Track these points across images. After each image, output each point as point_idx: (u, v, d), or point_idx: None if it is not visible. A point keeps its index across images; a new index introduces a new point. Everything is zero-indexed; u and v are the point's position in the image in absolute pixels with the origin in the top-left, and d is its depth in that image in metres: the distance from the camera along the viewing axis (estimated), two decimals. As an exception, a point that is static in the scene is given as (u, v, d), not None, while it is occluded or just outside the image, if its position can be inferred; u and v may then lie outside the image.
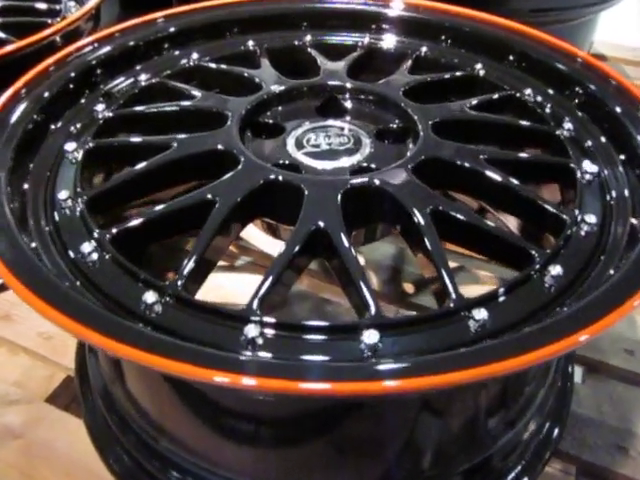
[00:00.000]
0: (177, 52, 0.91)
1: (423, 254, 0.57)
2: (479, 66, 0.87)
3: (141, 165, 0.64)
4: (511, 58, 0.89)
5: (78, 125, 0.75)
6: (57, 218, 0.61)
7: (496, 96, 0.81)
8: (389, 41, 0.95)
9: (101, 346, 0.46)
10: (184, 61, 0.88)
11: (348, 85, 0.79)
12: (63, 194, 0.62)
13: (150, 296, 0.51)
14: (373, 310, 0.50)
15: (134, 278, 0.53)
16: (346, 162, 0.69)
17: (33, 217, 0.62)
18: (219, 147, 0.65)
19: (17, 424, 0.80)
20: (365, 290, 0.51)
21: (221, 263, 1.05)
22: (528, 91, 0.82)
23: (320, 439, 0.60)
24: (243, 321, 0.49)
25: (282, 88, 0.78)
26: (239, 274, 1.04)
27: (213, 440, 0.65)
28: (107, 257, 0.56)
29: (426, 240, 0.56)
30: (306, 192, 0.60)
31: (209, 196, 0.59)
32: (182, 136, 0.68)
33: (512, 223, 0.74)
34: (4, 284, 0.65)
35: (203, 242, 0.55)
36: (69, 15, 1.06)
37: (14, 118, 0.69)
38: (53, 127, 0.73)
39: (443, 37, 0.95)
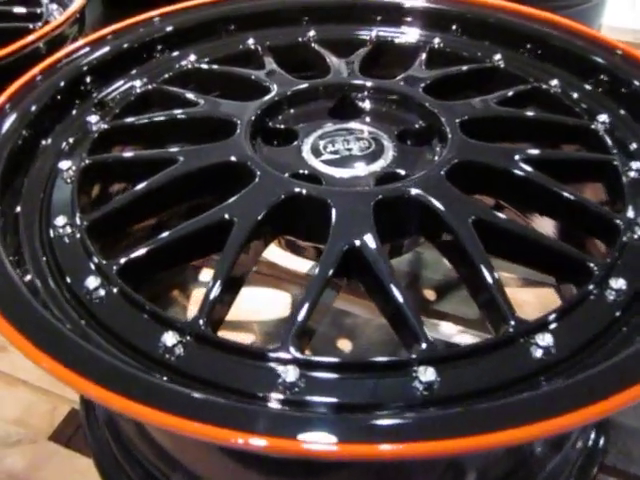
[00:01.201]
0: (172, 54, 0.84)
1: (467, 270, 0.51)
2: (498, 57, 0.82)
3: (145, 183, 0.58)
4: (529, 46, 0.84)
5: (70, 140, 0.68)
6: (55, 247, 0.54)
7: (520, 89, 0.75)
8: (398, 33, 0.89)
9: (107, 404, 0.40)
10: (181, 63, 0.82)
11: (363, 83, 0.73)
12: (60, 220, 0.55)
13: (170, 337, 0.44)
14: (424, 343, 0.44)
15: (150, 316, 0.47)
16: (370, 169, 0.63)
17: (28, 245, 0.55)
18: (232, 159, 0.59)
19: (20, 467, 0.73)
20: (413, 319, 0.45)
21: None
22: (554, 82, 0.76)
23: None
24: (279, 362, 0.43)
25: (292, 89, 0.71)
26: (245, 287, 0.98)
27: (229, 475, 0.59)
28: (115, 291, 0.50)
29: (471, 254, 0.50)
30: (333, 206, 0.54)
31: (226, 216, 0.53)
32: (188, 148, 0.62)
33: (547, 229, 0.68)
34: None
35: (224, 269, 0.49)
36: (51, 19, 0.98)
37: (0, 134, 0.62)
38: (44, 143, 0.67)
39: (454, 27, 0.89)
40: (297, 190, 0.55)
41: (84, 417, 0.77)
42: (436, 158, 0.64)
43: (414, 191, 0.55)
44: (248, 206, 0.54)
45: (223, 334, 0.89)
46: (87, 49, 0.77)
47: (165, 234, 0.52)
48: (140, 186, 0.58)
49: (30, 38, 0.81)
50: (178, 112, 0.69)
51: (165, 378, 0.44)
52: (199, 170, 0.59)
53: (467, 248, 0.51)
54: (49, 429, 0.79)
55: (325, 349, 0.86)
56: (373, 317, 0.92)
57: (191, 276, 0.96)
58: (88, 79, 0.75)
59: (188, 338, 0.45)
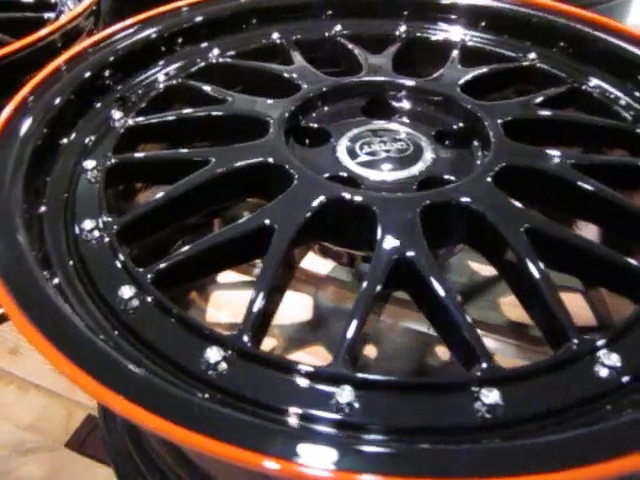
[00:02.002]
0: (194, 47, 0.81)
1: (520, 281, 0.49)
2: (533, 55, 0.79)
3: (177, 185, 0.55)
4: (563, 44, 0.81)
5: (93, 136, 0.64)
6: (82, 252, 0.51)
7: (560, 90, 0.72)
8: (428, 30, 0.86)
9: (151, 428, 0.38)
10: (204, 57, 0.78)
11: (399, 82, 0.70)
12: (88, 223, 0.52)
13: (214, 353, 0.42)
14: (485, 362, 0.41)
15: (190, 329, 0.44)
16: (409, 172, 0.60)
17: (53, 248, 0.52)
18: (269, 160, 0.56)
19: (38, 477, 0.70)
20: (471, 337, 0.42)
21: (240, 277, 0.96)
22: (593, 82, 0.73)
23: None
24: (333, 381, 0.40)
25: (325, 87, 0.68)
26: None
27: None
28: (150, 301, 0.47)
29: (525, 265, 0.48)
30: (378, 212, 0.51)
31: (267, 221, 0.50)
32: (221, 148, 0.59)
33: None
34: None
35: (267, 279, 0.46)
36: (65, 9, 0.95)
37: (23, 132, 0.59)
38: (66, 140, 0.63)
39: (484, 23, 0.86)
40: (340, 195, 0.52)
41: (103, 424, 0.74)
42: (478, 161, 0.61)
43: (462, 197, 0.52)
44: (289, 211, 0.51)
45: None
46: (109, 41, 0.74)
47: (203, 240, 0.49)
48: (172, 188, 0.54)
49: (45, 31, 0.78)
50: (206, 109, 0.65)
51: (207, 395, 0.41)
52: (233, 171, 0.56)
53: (521, 258, 0.48)
54: (64, 436, 0.76)
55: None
56: (397, 321, 0.89)
57: (209, 278, 0.94)
58: (109, 72, 0.72)
59: (231, 354, 0.42)
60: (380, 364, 0.83)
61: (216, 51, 0.80)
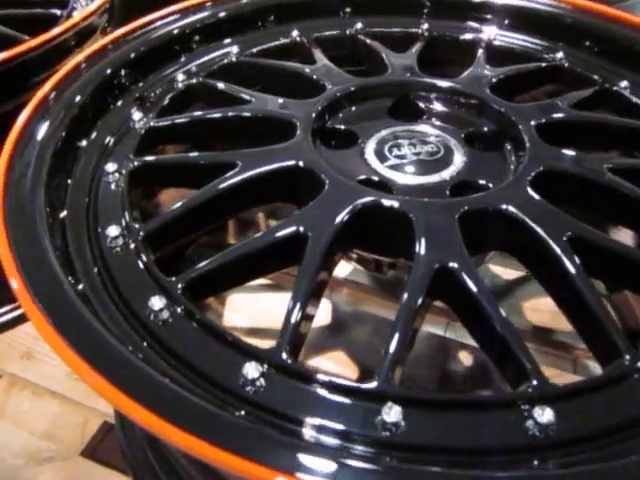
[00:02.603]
0: (211, 45, 0.79)
1: (566, 294, 0.47)
2: (560, 55, 0.77)
3: (205, 189, 0.53)
4: (589, 44, 0.79)
5: (113, 137, 0.63)
6: (107, 258, 0.49)
7: (590, 91, 0.70)
8: (450, 28, 0.84)
9: (187, 448, 0.36)
10: (223, 56, 0.76)
11: (427, 82, 0.68)
12: (112, 230, 0.50)
13: (252, 369, 0.40)
14: (535, 380, 0.39)
15: (225, 343, 0.42)
16: (441, 176, 0.58)
17: (77, 254, 0.50)
18: (299, 164, 0.54)
19: (53, 487, 0.69)
20: (520, 352, 0.41)
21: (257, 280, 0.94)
22: (623, 83, 0.71)
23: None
24: (378, 399, 0.39)
25: (351, 87, 0.66)
26: (283, 293, 0.93)
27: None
28: (181, 312, 0.45)
29: (574, 279, 0.46)
30: (415, 219, 0.49)
31: (301, 229, 0.48)
32: (248, 151, 0.57)
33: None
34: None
35: (304, 290, 0.44)
36: (77, 5, 0.92)
37: (43, 133, 0.57)
38: (85, 142, 0.61)
39: (507, 21, 0.84)
40: (376, 201, 0.50)
41: (120, 431, 0.72)
42: (512, 165, 0.60)
43: (501, 204, 0.50)
44: (323, 218, 0.49)
45: (261, 343, 0.85)
46: (128, 38, 0.72)
47: (234, 248, 0.48)
48: (199, 193, 0.53)
49: (60, 29, 0.75)
50: (230, 110, 0.63)
51: (243, 412, 0.39)
52: (262, 176, 0.54)
53: (565, 268, 0.46)
54: (79, 444, 0.75)
55: (372, 362, 0.81)
56: (435, 332, 0.87)
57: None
58: (128, 71, 0.69)
59: (269, 369, 0.41)
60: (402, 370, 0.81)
61: (235, 49, 0.78)
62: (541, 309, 0.92)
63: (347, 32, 0.82)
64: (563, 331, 0.88)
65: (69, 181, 0.57)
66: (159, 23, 0.76)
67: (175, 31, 0.76)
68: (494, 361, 0.44)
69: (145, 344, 0.44)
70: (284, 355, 0.41)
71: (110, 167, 0.57)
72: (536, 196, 0.52)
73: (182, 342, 0.43)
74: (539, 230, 0.49)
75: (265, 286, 0.92)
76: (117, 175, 0.57)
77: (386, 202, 0.50)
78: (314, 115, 0.62)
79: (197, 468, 0.63)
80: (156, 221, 0.51)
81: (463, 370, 0.82)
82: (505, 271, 0.95)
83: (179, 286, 0.45)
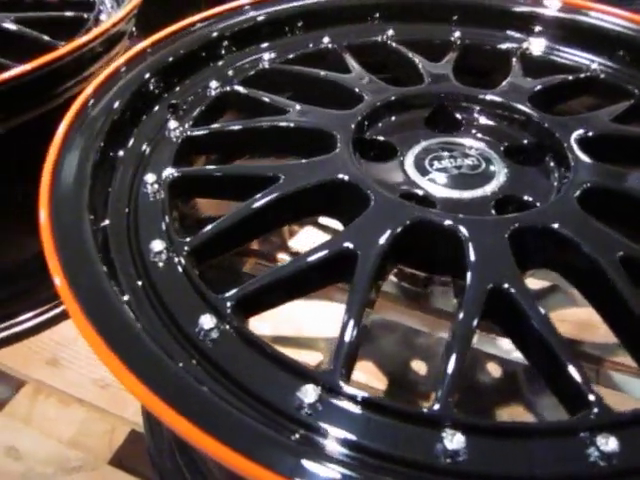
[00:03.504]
0: (243, 52, 0.78)
1: (620, 317, 0.46)
2: (595, 66, 0.76)
3: (249, 204, 0.52)
4: (622, 53, 0.78)
5: (149, 147, 0.62)
6: (152, 273, 0.49)
7: (627, 103, 0.69)
8: (482, 36, 0.83)
9: (245, 473, 0.35)
10: (255, 63, 0.76)
11: (465, 93, 0.67)
12: (156, 245, 0.49)
13: (310, 392, 0.39)
14: (597, 407, 0.39)
15: (278, 364, 0.42)
16: (484, 190, 0.57)
17: (120, 265, 0.50)
18: (345, 179, 0.53)
19: (84, 497, 0.68)
20: (579, 378, 0.40)
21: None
22: (660, 95, 0.71)
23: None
24: (439, 425, 0.38)
25: (390, 98, 0.66)
26: (309, 300, 0.92)
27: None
28: (230, 330, 0.44)
29: (624, 297, 0.45)
30: (465, 236, 0.48)
31: (350, 246, 0.47)
32: (289, 164, 0.56)
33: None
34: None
35: (357, 311, 0.44)
36: (104, 8, 0.91)
37: (83, 142, 0.56)
38: (122, 152, 0.61)
39: (540, 29, 0.83)
40: (423, 218, 0.50)
41: (150, 442, 0.72)
42: (555, 181, 0.59)
43: (551, 222, 0.50)
44: (372, 236, 0.48)
45: (289, 352, 0.84)
46: (161, 44, 0.71)
47: (284, 266, 0.47)
48: (243, 207, 0.52)
49: (90, 36, 0.74)
50: (268, 120, 0.63)
51: (297, 436, 0.39)
52: (306, 189, 0.53)
53: (618, 289, 0.46)
54: (107, 452, 0.74)
55: (400, 372, 0.81)
56: (444, 335, 0.87)
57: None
58: (160, 77, 0.69)
59: (325, 392, 0.40)
60: (432, 381, 0.80)
61: (267, 55, 0.77)
62: (567, 319, 0.92)
63: (379, 39, 0.82)
64: (589, 342, 0.87)
65: (109, 189, 0.56)
66: (191, 29, 0.75)
67: (207, 37, 0.75)
68: (549, 384, 0.43)
69: (194, 362, 0.43)
70: (340, 378, 0.40)
71: (149, 178, 0.56)
72: (585, 214, 0.51)
73: (233, 362, 0.42)
74: (590, 250, 0.48)
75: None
76: (156, 186, 0.56)
77: (435, 219, 0.50)
78: (354, 127, 0.61)
79: (228, 475, 0.63)
80: (201, 236, 0.50)
81: (495, 383, 0.82)
82: (530, 281, 0.94)
83: (228, 305, 0.45)
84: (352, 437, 0.38)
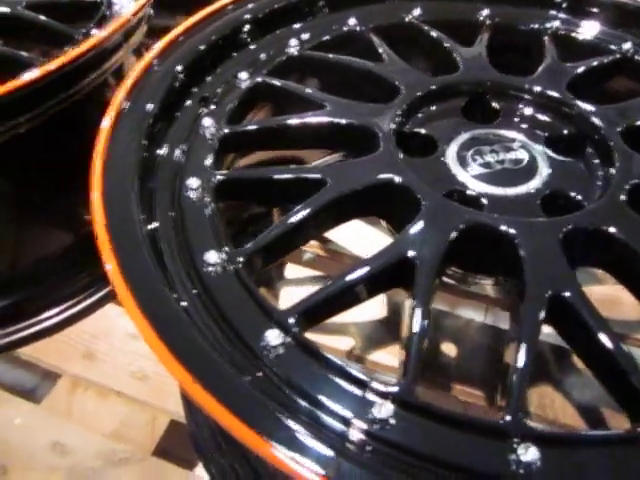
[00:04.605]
0: (265, 38, 0.76)
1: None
2: (628, 45, 0.74)
3: (299, 210, 0.51)
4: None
5: (186, 146, 0.61)
6: (206, 282, 0.49)
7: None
8: (512, 13, 0.80)
9: None
10: (282, 50, 0.74)
11: (505, 82, 0.66)
12: (211, 256, 0.49)
13: (385, 408, 0.40)
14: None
15: (346, 378, 0.42)
16: (529, 187, 0.57)
17: (174, 270, 0.50)
18: (395, 180, 0.53)
19: (134, 489, 0.70)
20: (643, 384, 0.41)
21: (309, 272, 0.94)
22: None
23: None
24: (510, 437, 0.39)
25: (428, 89, 0.64)
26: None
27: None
28: (293, 344, 0.44)
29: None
30: (519, 240, 0.49)
31: (408, 253, 0.47)
32: (335, 165, 0.56)
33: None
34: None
35: (421, 319, 0.44)
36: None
37: (125, 143, 0.55)
38: (160, 152, 0.60)
39: (565, 4, 0.81)
40: (478, 222, 0.50)
41: (194, 428, 0.73)
42: (599, 174, 0.59)
43: (602, 224, 0.50)
44: (427, 240, 0.48)
45: (319, 338, 0.85)
46: (186, 36, 0.69)
47: (343, 275, 0.47)
48: (293, 214, 0.51)
49: (111, 29, 0.71)
50: (306, 117, 0.61)
51: (370, 448, 0.40)
52: (355, 193, 0.53)
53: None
54: (151, 443, 0.76)
55: (430, 354, 0.83)
56: (474, 317, 0.88)
57: (277, 274, 0.91)
58: (190, 71, 0.67)
59: (398, 407, 0.41)
60: (461, 365, 0.82)
61: (294, 41, 0.75)
62: (592, 296, 0.93)
63: (405, 20, 0.79)
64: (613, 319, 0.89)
65: (154, 192, 0.56)
66: (215, 16, 0.73)
67: (232, 24, 0.73)
68: (610, 392, 0.44)
69: (260, 374, 0.44)
70: (412, 393, 0.41)
71: (193, 183, 0.55)
72: (633, 214, 0.51)
73: (299, 375, 0.43)
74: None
75: (316, 278, 0.92)
76: (200, 191, 0.55)
77: (489, 223, 0.50)
78: (394, 122, 0.60)
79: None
80: (254, 245, 0.50)
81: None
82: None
83: (292, 319, 0.45)
84: (423, 449, 0.39)
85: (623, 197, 0.53)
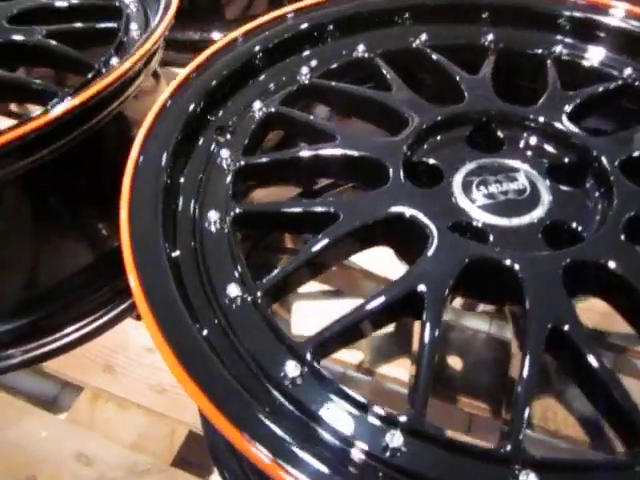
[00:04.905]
0: (280, 66, 0.79)
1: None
2: (629, 71, 0.77)
3: (314, 242, 0.55)
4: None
5: (203, 176, 0.64)
6: (226, 312, 0.52)
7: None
8: (515, 38, 0.83)
9: None
10: (293, 77, 0.76)
11: (508, 111, 0.69)
12: (232, 290, 0.52)
13: (397, 437, 0.43)
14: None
15: (361, 409, 0.46)
16: (531, 217, 0.60)
17: (195, 299, 0.53)
18: (407, 215, 0.56)
19: (156, 500, 0.74)
20: (635, 417, 0.44)
21: (321, 287, 0.97)
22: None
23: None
24: (511, 463, 0.42)
25: (436, 120, 0.67)
26: (347, 300, 0.96)
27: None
28: (310, 374, 0.48)
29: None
30: (522, 274, 0.52)
31: (418, 287, 0.51)
32: (348, 199, 0.59)
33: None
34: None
35: (429, 351, 0.48)
36: (130, 11, 0.91)
37: (151, 171, 0.59)
38: (182, 180, 0.63)
39: (567, 26, 0.83)
40: (483, 257, 0.53)
41: (210, 440, 0.77)
42: (599, 206, 0.61)
43: (600, 257, 0.53)
44: (435, 273, 0.52)
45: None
46: (205, 66, 0.72)
47: (359, 309, 0.50)
48: (308, 246, 0.55)
49: (132, 60, 0.73)
50: (318, 149, 0.64)
51: (381, 474, 0.43)
52: (367, 226, 0.56)
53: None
54: (169, 455, 0.80)
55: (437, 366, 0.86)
56: (480, 330, 0.91)
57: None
58: (207, 101, 0.70)
59: (409, 436, 0.44)
60: (467, 377, 0.86)
61: (305, 69, 0.78)
62: (594, 309, 0.96)
63: (413, 45, 0.82)
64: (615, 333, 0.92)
65: (176, 219, 0.59)
66: (227, 49, 0.75)
67: (245, 54, 0.76)
68: (607, 421, 0.47)
69: (279, 403, 0.47)
70: (422, 422, 0.44)
71: (212, 216, 0.59)
72: (630, 247, 0.54)
73: (316, 404, 0.46)
74: (635, 284, 0.51)
75: (328, 292, 0.95)
76: (219, 224, 0.59)
77: (494, 257, 0.53)
78: (404, 154, 0.63)
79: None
80: (273, 278, 0.53)
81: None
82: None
83: (309, 351, 0.48)
84: (432, 475, 0.43)
85: (621, 230, 0.56)
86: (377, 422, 0.45)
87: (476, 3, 0.85)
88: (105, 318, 0.90)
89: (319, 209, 0.58)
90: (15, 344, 0.85)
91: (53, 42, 0.82)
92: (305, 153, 0.65)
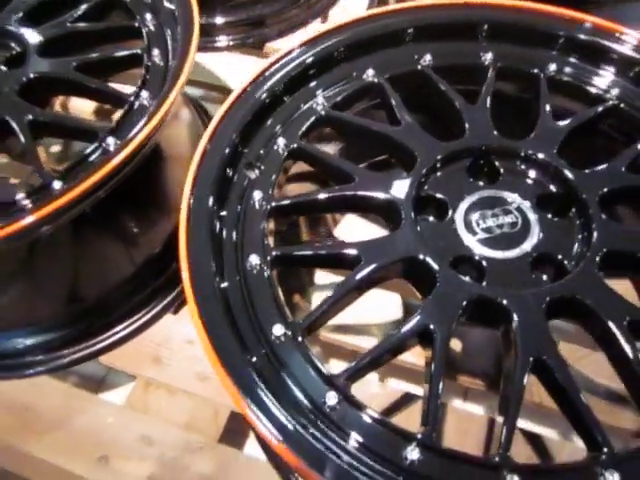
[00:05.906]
0: (296, 95, 0.86)
1: (622, 367, 0.63)
2: (616, 92, 0.84)
3: (343, 283, 0.67)
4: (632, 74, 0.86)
5: (241, 211, 0.74)
6: (274, 348, 0.64)
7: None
8: (514, 54, 0.89)
9: None
10: (311, 109, 0.84)
11: (502, 145, 0.78)
12: (277, 329, 0.64)
13: (414, 451, 0.57)
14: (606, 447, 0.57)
15: (385, 427, 0.59)
16: (522, 249, 0.71)
17: (243, 329, 0.65)
18: (419, 257, 0.67)
19: (209, 472, 0.90)
20: (595, 428, 0.58)
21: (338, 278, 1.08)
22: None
23: None
24: (498, 470, 0.56)
25: (441, 157, 0.76)
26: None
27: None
28: (345, 401, 0.61)
29: (629, 359, 0.62)
30: (511, 308, 0.64)
31: (429, 326, 0.63)
32: (367, 243, 0.69)
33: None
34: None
35: (438, 379, 0.60)
36: (148, 28, 0.96)
37: (201, 202, 0.70)
38: (223, 213, 0.73)
39: (563, 46, 0.89)
40: (482, 296, 0.65)
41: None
42: (580, 237, 0.72)
43: (576, 293, 0.65)
44: (440, 313, 0.64)
45: (343, 337, 1.00)
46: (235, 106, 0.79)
47: (378, 346, 0.63)
48: (339, 287, 0.66)
49: (160, 114, 0.80)
50: (339, 190, 0.74)
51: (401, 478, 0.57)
52: (384, 268, 0.68)
53: (623, 350, 0.62)
54: (216, 432, 0.94)
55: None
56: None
57: (308, 280, 1.06)
58: (239, 138, 0.78)
59: (423, 450, 0.58)
60: (465, 361, 0.99)
61: (320, 99, 0.85)
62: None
63: (418, 67, 0.88)
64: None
65: (222, 252, 0.70)
66: (250, 88, 0.82)
67: (266, 91, 0.82)
68: (576, 430, 0.61)
69: (320, 424, 0.61)
70: (434, 438, 0.58)
71: (253, 259, 0.69)
72: (604, 282, 0.66)
73: (351, 426, 0.60)
74: (604, 316, 0.63)
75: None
76: (259, 267, 0.69)
77: (490, 296, 0.65)
78: (413, 190, 0.73)
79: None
80: (312, 316, 0.65)
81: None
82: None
83: (343, 382, 0.61)
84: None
85: (596, 266, 0.67)
86: (398, 437, 0.59)
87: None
88: (149, 315, 1.02)
89: (345, 251, 0.69)
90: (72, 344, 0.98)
91: (87, 77, 0.88)
92: (324, 195, 0.75)
